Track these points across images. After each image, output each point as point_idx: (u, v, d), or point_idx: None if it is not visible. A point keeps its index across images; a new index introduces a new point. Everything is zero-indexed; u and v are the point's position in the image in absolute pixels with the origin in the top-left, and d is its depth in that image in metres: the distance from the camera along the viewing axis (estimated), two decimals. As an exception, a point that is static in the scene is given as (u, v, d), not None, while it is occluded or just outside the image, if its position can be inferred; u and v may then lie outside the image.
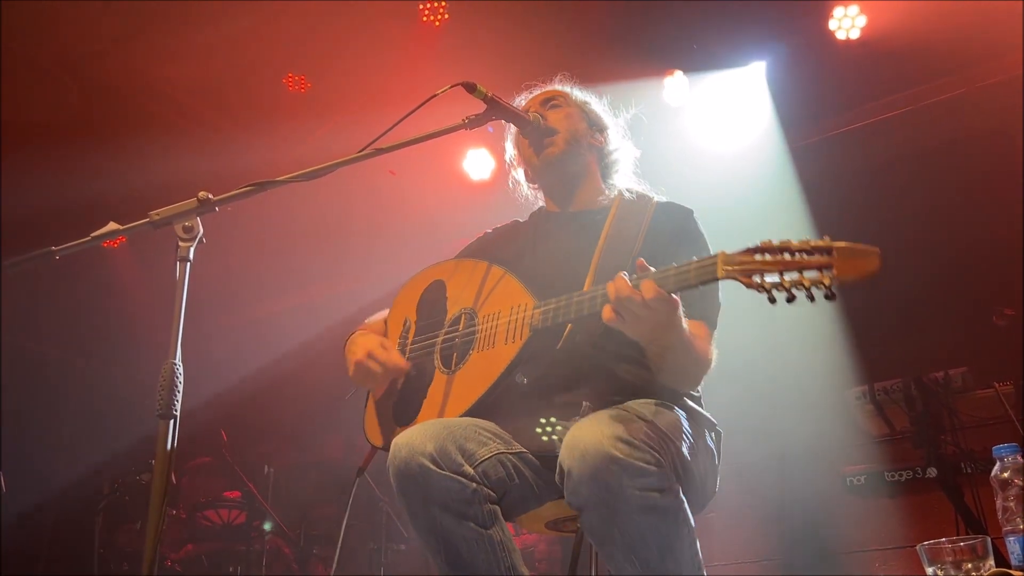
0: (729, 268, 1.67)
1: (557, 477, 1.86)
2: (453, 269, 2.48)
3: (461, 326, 2.30)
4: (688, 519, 1.81)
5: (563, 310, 2.01)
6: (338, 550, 2.54)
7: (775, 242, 1.64)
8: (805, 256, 1.59)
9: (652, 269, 1.81)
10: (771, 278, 1.61)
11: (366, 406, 2.48)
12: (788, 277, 1.60)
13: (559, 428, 2.02)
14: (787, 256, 1.61)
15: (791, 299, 1.59)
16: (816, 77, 5.57)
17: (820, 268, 1.57)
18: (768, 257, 1.63)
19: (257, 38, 5.29)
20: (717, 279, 1.69)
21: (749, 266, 1.64)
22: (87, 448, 7.16)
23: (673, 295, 1.80)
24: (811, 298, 1.58)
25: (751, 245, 1.66)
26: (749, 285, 1.63)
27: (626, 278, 1.79)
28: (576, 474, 1.75)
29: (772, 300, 1.62)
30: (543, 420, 2.08)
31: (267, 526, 5.71)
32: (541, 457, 2.09)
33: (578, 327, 2.06)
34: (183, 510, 5.90)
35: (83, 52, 5.29)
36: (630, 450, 1.73)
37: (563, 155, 2.43)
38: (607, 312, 1.81)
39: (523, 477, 2.06)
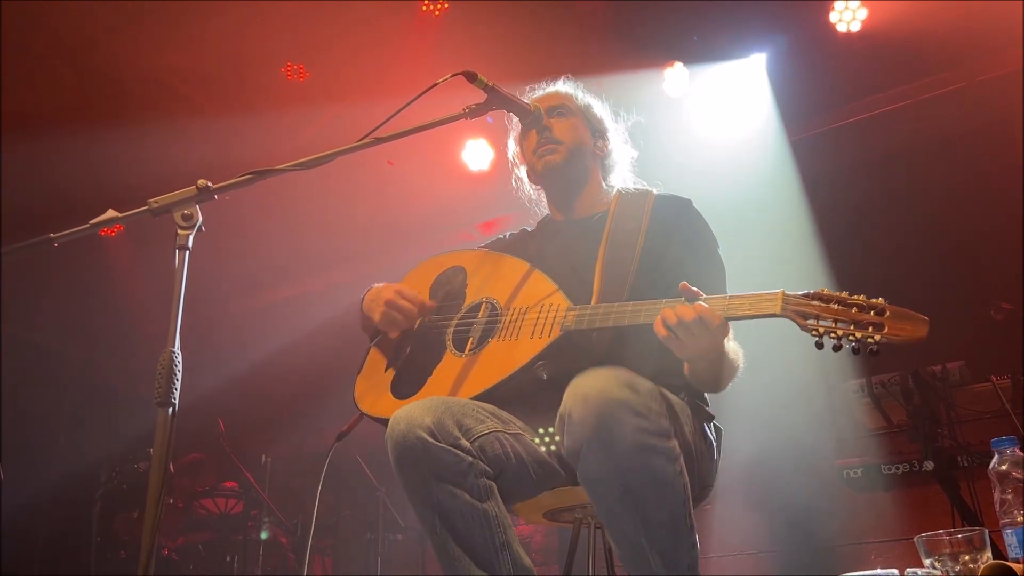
0: (787, 307, 1.79)
1: (557, 425, 1.89)
2: (471, 258, 2.49)
3: (481, 314, 2.31)
4: (684, 473, 1.83)
5: (600, 317, 2.04)
6: (313, 519, 2.54)
7: (832, 292, 1.77)
8: (859, 312, 1.72)
9: (699, 294, 1.88)
10: (825, 323, 1.74)
11: (360, 371, 2.48)
12: (841, 327, 1.72)
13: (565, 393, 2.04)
14: (842, 308, 1.74)
15: (838, 348, 1.72)
16: (816, 70, 5.56)
17: (872, 325, 1.70)
18: (824, 305, 1.76)
19: (256, 26, 5.27)
20: (775, 315, 1.80)
21: (806, 309, 1.77)
22: (85, 437, 7.17)
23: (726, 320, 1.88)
24: (856, 351, 1.71)
25: (811, 291, 1.79)
26: (804, 327, 1.76)
27: (687, 303, 1.86)
28: (577, 416, 1.78)
29: (820, 346, 1.75)
30: (541, 431, 2.11)
31: (264, 535, 5.72)
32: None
33: (608, 333, 2.10)
34: (180, 499, 5.90)
35: (80, 40, 5.26)
36: (633, 395, 1.77)
37: (565, 164, 2.47)
38: (662, 331, 1.86)
39: (519, 458, 2.07)
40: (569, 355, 2.10)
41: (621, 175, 2.60)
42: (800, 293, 1.79)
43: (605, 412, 1.75)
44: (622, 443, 1.74)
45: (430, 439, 1.91)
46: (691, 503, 1.85)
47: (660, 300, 1.93)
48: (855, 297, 1.73)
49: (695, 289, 1.88)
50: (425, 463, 1.91)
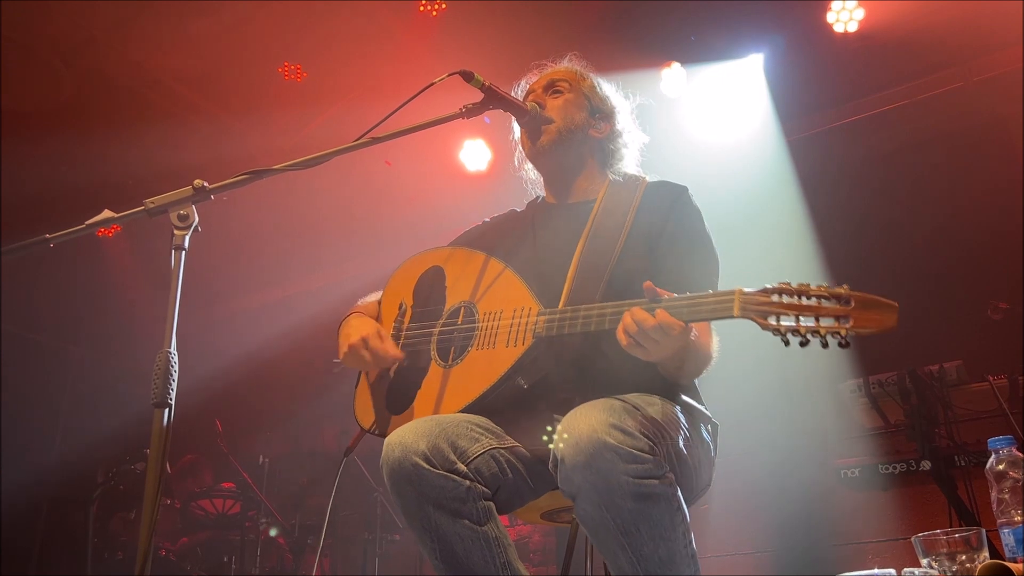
0: (746, 308, 1.68)
1: (551, 465, 1.86)
2: (448, 256, 2.46)
3: (460, 319, 2.28)
4: (682, 507, 1.81)
5: (569, 322, 1.99)
6: (324, 531, 2.54)
7: (793, 284, 1.65)
8: (823, 302, 1.61)
9: (664, 295, 1.80)
10: (787, 321, 1.62)
11: (357, 386, 2.47)
12: (804, 323, 1.61)
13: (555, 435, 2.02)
14: (804, 300, 1.63)
15: (804, 343, 1.61)
16: (814, 70, 5.56)
17: (837, 317, 1.59)
18: (785, 299, 1.64)
19: (252, 26, 5.27)
20: (733, 317, 1.70)
21: (766, 307, 1.65)
22: (82, 436, 7.15)
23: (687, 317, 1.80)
24: (825, 345, 1.60)
25: (769, 285, 1.67)
26: (765, 327, 1.65)
27: (644, 310, 1.79)
28: (570, 461, 1.75)
29: (786, 343, 1.63)
30: (548, 428, 2.08)
31: (273, 532, 5.72)
32: (536, 455, 2.09)
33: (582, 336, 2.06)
34: (178, 499, 5.90)
35: (78, 39, 5.26)
36: (624, 437, 1.73)
37: (554, 144, 2.40)
38: (623, 338, 1.82)
39: (516, 471, 2.06)
40: (546, 361, 2.09)
41: (627, 162, 2.51)
42: (758, 290, 1.68)
43: (597, 458, 1.71)
44: (617, 490, 1.71)
45: (425, 465, 1.89)
46: (691, 534, 1.82)
47: (625, 302, 1.86)
48: (817, 288, 1.62)
49: (658, 289, 1.81)
50: (422, 490, 1.90)
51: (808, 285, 1.64)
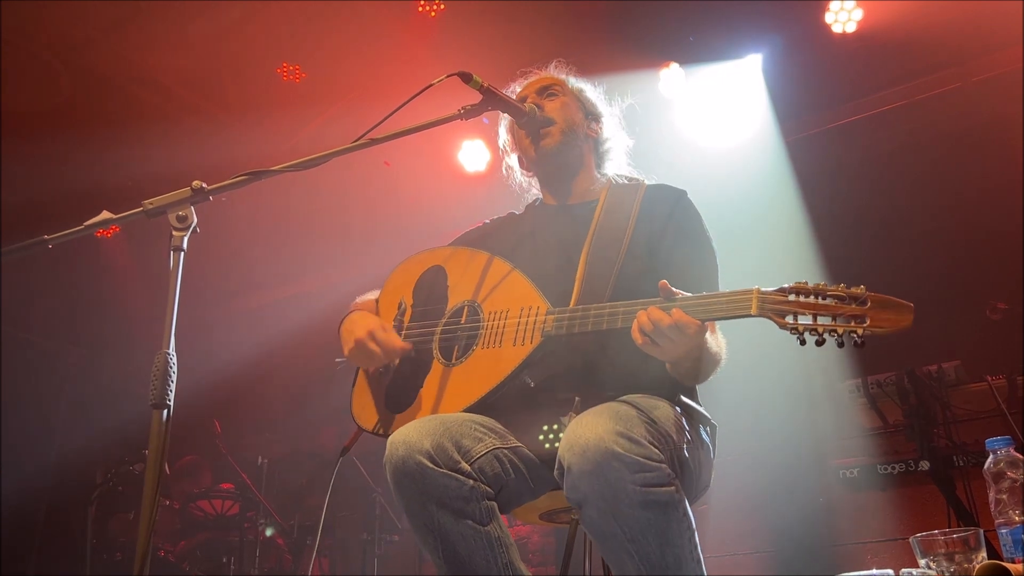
0: (764, 307, 1.70)
1: (556, 472, 1.86)
2: (449, 256, 2.45)
3: (463, 318, 2.27)
4: (688, 513, 1.81)
5: (579, 321, 2.00)
6: (320, 528, 2.53)
7: (810, 284, 1.68)
8: (840, 303, 1.64)
9: (679, 293, 1.82)
10: (804, 320, 1.65)
11: (354, 384, 2.46)
12: (822, 322, 1.64)
13: (560, 433, 2.02)
14: (821, 300, 1.65)
15: (821, 342, 1.64)
16: (812, 70, 5.56)
17: (854, 317, 1.62)
18: (803, 299, 1.67)
19: (251, 27, 5.27)
20: (751, 316, 1.72)
21: (784, 306, 1.68)
22: (80, 438, 7.15)
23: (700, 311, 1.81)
24: (841, 344, 1.63)
25: (786, 285, 1.69)
26: (783, 326, 1.67)
27: (660, 309, 1.80)
28: (576, 470, 1.75)
29: (803, 342, 1.66)
30: (545, 427, 2.08)
31: (269, 532, 5.72)
32: (539, 455, 2.09)
33: (590, 335, 2.06)
34: (176, 500, 5.90)
35: (75, 40, 5.26)
36: (631, 445, 1.73)
37: (560, 146, 2.42)
38: (639, 337, 1.82)
39: (518, 471, 2.06)
40: (553, 360, 2.09)
41: (617, 165, 2.55)
42: (775, 289, 1.71)
43: (604, 467, 1.71)
44: (624, 499, 1.71)
45: (429, 464, 1.89)
46: (696, 539, 1.82)
47: (637, 301, 1.88)
48: (835, 287, 1.65)
49: (673, 289, 1.82)
50: (425, 489, 1.89)
51: (825, 285, 1.67)
